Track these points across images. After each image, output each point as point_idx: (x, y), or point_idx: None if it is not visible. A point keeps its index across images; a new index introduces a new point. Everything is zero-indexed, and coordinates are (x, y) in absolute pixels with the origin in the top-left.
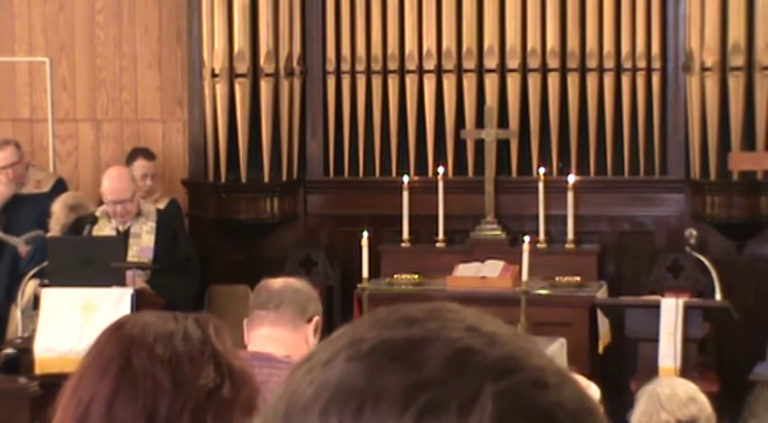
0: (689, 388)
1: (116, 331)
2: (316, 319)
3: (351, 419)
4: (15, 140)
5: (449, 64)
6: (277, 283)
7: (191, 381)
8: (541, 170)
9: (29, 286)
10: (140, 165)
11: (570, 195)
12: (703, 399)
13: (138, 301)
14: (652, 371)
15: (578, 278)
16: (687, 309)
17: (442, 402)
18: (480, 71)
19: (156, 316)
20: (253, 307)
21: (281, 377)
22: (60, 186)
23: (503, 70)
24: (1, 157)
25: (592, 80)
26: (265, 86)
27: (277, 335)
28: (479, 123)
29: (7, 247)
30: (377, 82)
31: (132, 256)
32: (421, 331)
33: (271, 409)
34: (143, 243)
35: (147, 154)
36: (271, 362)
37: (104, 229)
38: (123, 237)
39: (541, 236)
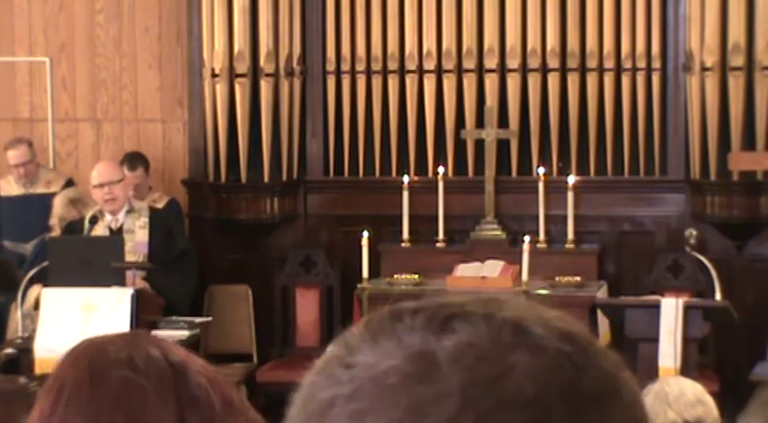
0: (697, 389)
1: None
2: None
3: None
4: (28, 139)
5: (449, 64)
6: None
7: (183, 389)
8: (541, 170)
9: (32, 292)
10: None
11: (570, 195)
12: (710, 401)
13: (139, 301)
14: (652, 371)
15: (578, 278)
16: (687, 309)
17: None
18: (480, 71)
19: (112, 339)
20: None
21: None
22: (70, 187)
23: (503, 70)
24: (13, 156)
25: (592, 80)
26: (265, 86)
27: None
28: (479, 123)
29: (6, 251)
30: (377, 82)
31: (126, 252)
32: None
33: None
34: (137, 238)
35: (130, 163)
36: None
37: (98, 228)
38: (117, 233)
39: (541, 236)
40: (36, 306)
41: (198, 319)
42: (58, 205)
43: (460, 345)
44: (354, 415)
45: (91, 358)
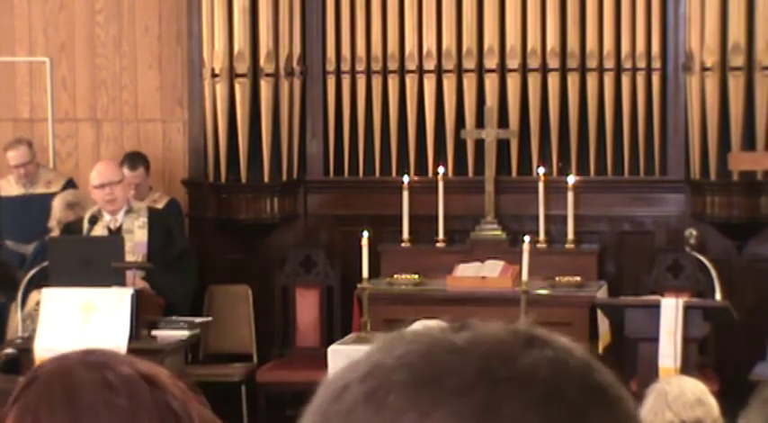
0: (698, 389)
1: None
2: None
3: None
4: (28, 139)
5: (449, 64)
6: None
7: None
8: (541, 170)
9: (32, 297)
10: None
11: (570, 195)
12: (711, 401)
13: (139, 301)
14: (652, 371)
15: (578, 278)
16: (687, 309)
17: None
18: (480, 71)
19: (75, 362)
20: None
21: None
22: (70, 187)
23: (503, 70)
24: (13, 156)
25: (592, 80)
26: (265, 86)
27: None
28: (479, 123)
29: (8, 251)
30: (377, 82)
31: (125, 252)
32: None
33: None
34: (136, 238)
35: (130, 163)
36: None
37: (97, 228)
38: (116, 233)
39: (541, 236)
40: (36, 310)
41: (198, 319)
42: (57, 208)
43: (478, 335)
44: (369, 394)
45: (63, 384)
